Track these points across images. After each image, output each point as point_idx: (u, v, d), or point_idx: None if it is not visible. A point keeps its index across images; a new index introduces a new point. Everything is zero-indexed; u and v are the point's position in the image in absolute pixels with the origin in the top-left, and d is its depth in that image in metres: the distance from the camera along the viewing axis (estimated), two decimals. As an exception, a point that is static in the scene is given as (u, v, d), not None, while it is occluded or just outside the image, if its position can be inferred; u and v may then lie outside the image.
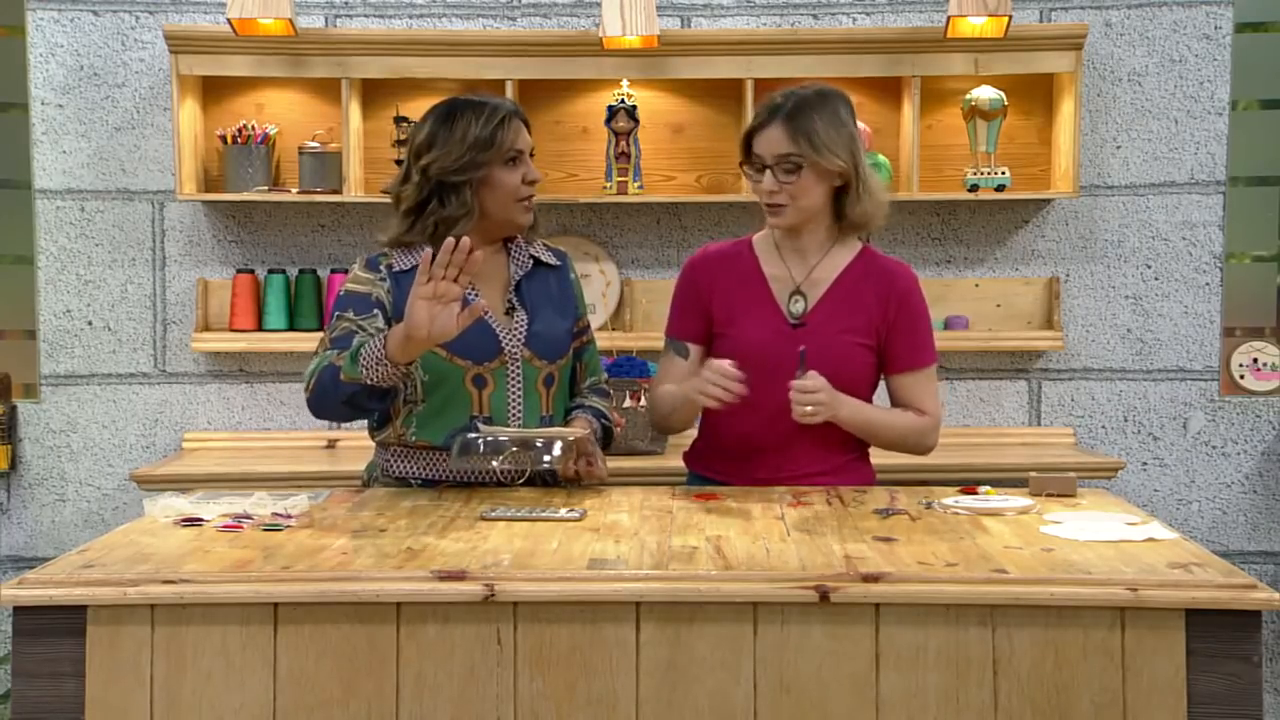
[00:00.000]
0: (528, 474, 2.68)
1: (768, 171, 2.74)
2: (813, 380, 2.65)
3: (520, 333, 2.76)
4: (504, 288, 2.80)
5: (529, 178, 2.76)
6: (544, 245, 2.90)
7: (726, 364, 2.64)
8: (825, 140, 2.72)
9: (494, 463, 2.61)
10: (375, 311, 2.70)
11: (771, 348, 2.76)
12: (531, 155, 2.80)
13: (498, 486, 2.69)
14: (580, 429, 2.72)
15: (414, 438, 2.72)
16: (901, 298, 2.82)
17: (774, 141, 2.73)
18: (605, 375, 3.02)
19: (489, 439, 2.60)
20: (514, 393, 2.74)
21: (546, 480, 2.74)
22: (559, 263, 2.89)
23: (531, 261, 2.84)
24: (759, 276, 2.84)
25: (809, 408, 2.64)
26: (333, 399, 2.61)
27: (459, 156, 2.71)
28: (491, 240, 2.79)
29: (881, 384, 2.89)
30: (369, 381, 2.54)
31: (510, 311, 2.78)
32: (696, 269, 2.89)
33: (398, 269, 2.75)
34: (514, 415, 2.73)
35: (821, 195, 2.77)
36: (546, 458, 2.62)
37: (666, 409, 2.87)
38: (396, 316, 2.65)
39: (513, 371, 2.74)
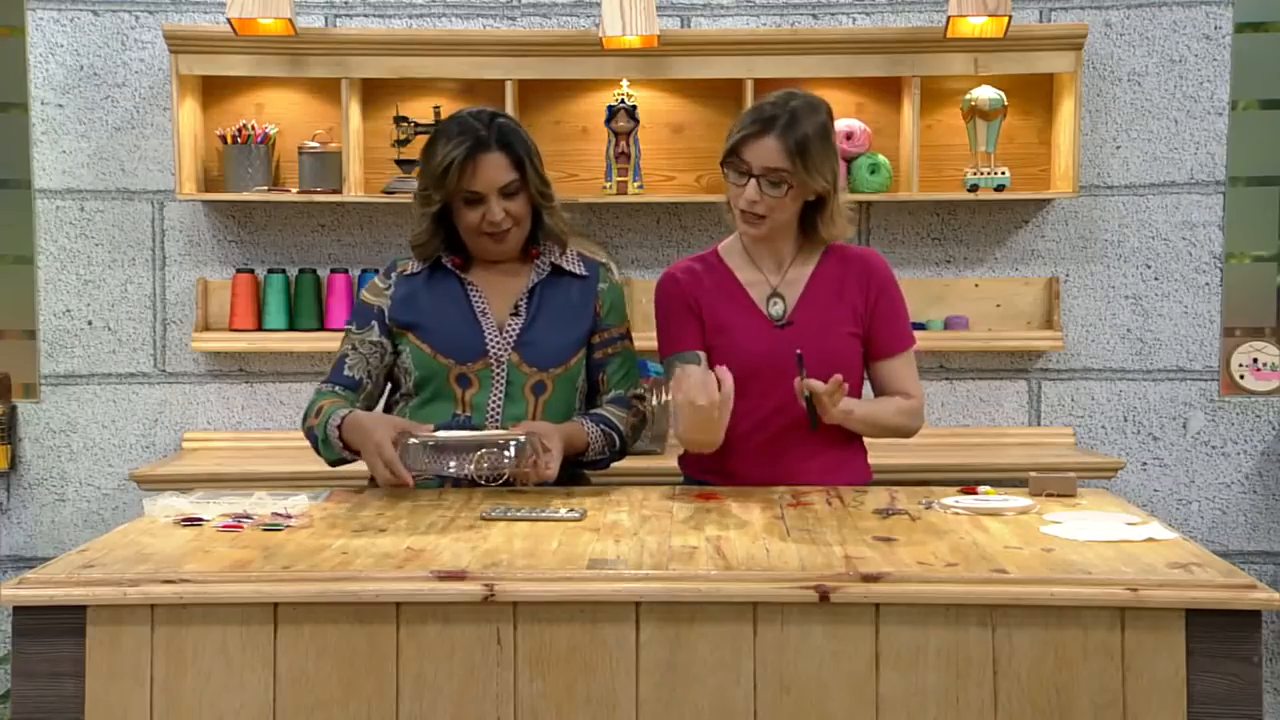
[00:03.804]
0: (504, 477, 2.63)
1: (752, 181, 2.70)
2: (812, 382, 2.64)
3: (511, 336, 2.76)
4: (516, 292, 2.80)
5: (490, 218, 2.71)
6: (578, 255, 2.87)
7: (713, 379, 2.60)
8: (816, 161, 2.69)
9: (449, 468, 2.58)
10: (372, 323, 2.80)
11: (761, 352, 2.76)
12: (515, 192, 2.72)
13: (471, 485, 2.68)
14: (526, 431, 2.63)
15: None
16: (881, 284, 2.83)
17: (768, 154, 2.68)
18: (635, 390, 2.91)
19: (429, 444, 2.56)
20: (496, 395, 2.74)
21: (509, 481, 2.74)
22: (587, 274, 2.85)
23: (550, 269, 2.83)
24: (735, 284, 2.83)
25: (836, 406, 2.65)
26: (319, 454, 2.78)
27: (423, 187, 2.76)
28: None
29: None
30: (347, 458, 2.72)
31: (513, 315, 2.78)
32: (678, 283, 2.84)
33: (409, 272, 2.83)
34: (492, 418, 2.73)
35: (796, 210, 2.77)
36: (506, 458, 2.58)
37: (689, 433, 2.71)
38: (391, 315, 2.79)
39: (497, 374, 2.74)
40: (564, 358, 2.79)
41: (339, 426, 2.66)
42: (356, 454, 2.68)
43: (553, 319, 2.79)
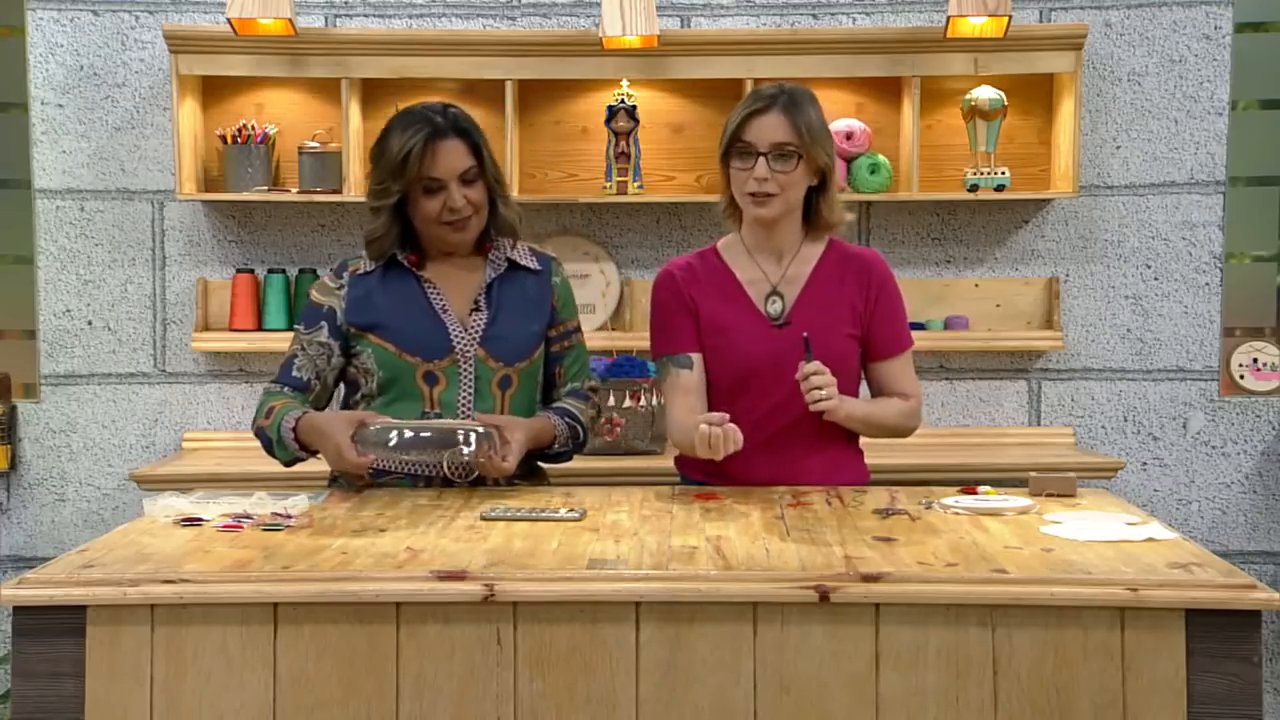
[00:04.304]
0: (472, 472, 2.65)
1: (760, 159, 2.71)
2: (816, 364, 2.65)
3: (476, 332, 2.76)
4: (474, 288, 2.80)
5: (451, 205, 2.71)
6: (529, 249, 2.88)
7: (717, 429, 2.57)
8: (819, 135, 2.72)
9: (408, 459, 2.59)
10: (321, 324, 2.79)
11: (759, 352, 2.76)
12: (474, 179, 2.73)
13: (446, 483, 2.69)
14: (490, 423, 2.63)
15: None
16: (880, 284, 2.83)
17: (772, 129, 2.70)
18: (592, 381, 2.95)
19: (390, 429, 2.57)
20: (465, 391, 2.74)
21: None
22: (540, 268, 2.86)
23: (506, 264, 2.83)
24: (734, 283, 2.83)
25: (822, 391, 2.64)
26: (273, 455, 2.77)
27: (379, 180, 2.74)
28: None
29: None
30: (302, 457, 2.72)
31: (474, 311, 2.78)
32: (675, 280, 2.84)
33: (361, 272, 2.81)
34: (463, 415, 2.73)
35: (804, 189, 2.77)
36: (465, 451, 2.58)
37: (689, 445, 2.69)
38: (347, 317, 2.77)
39: (465, 370, 2.74)
40: (527, 352, 2.80)
41: (294, 429, 2.66)
42: (313, 453, 2.68)
43: (514, 314, 2.80)
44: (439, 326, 2.75)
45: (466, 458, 2.58)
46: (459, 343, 2.74)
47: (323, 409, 2.80)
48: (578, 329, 2.92)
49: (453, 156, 2.71)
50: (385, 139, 2.73)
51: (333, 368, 2.79)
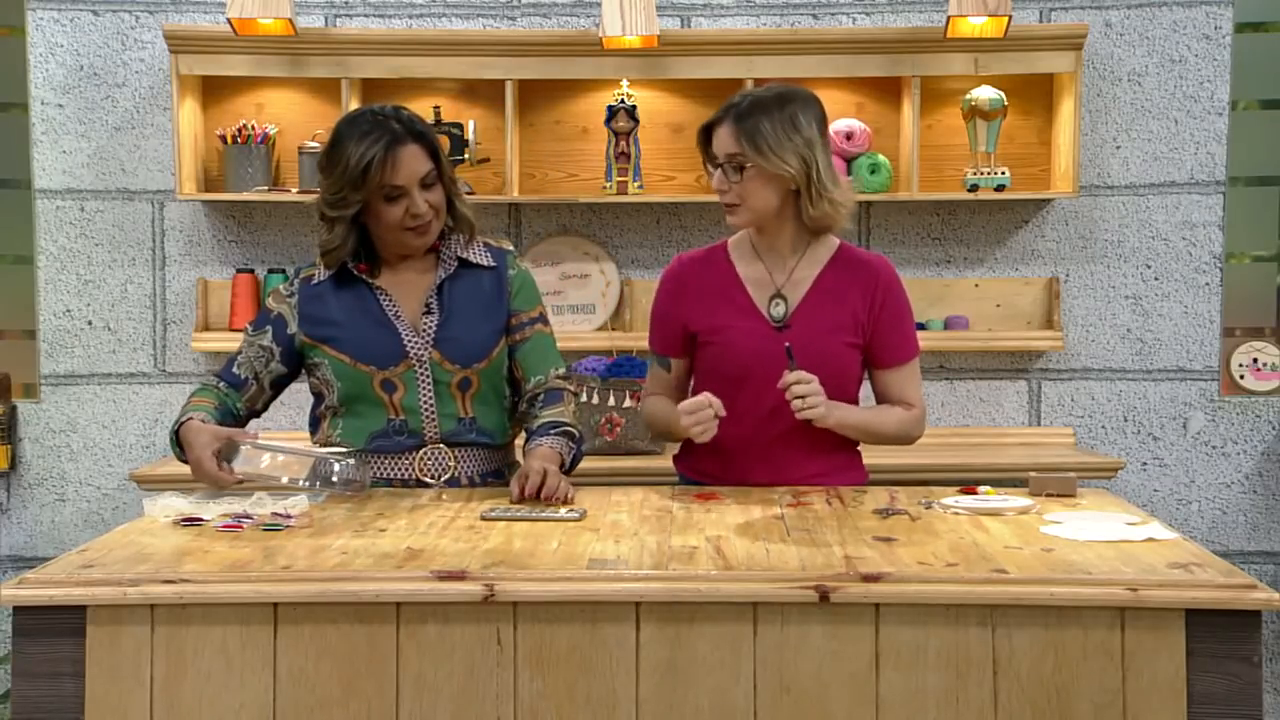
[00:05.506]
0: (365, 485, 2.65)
1: (719, 170, 2.75)
2: (799, 374, 2.65)
3: (429, 335, 2.74)
4: (425, 290, 2.77)
5: (414, 211, 2.68)
6: (484, 245, 2.84)
7: (699, 399, 2.66)
8: (771, 144, 2.68)
9: (285, 477, 2.58)
10: (267, 328, 2.80)
11: (757, 352, 2.75)
12: (433, 182, 2.70)
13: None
14: (348, 454, 2.64)
15: (339, 440, 2.74)
16: (885, 292, 2.82)
17: (723, 140, 2.74)
18: (557, 370, 2.87)
19: (261, 454, 2.56)
20: (425, 396, 2.72)
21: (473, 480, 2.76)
22: (494, 264, 2.83)
23: (457, 263, 2.80)
24: (736, 281, 2.83)
25: (805, 400, 2.64)
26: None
27: (336, 191, 2.69)
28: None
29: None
30: (184, 459, 2.66)
31: (426, 314, 2.76)
32: (672, 281, 2.87)
33: (315, 281, 2.79)
34: (428, 418, 2.72)
35: (772, 197, 2.74)
36: (333, 478, 2.59)
37: (661, 426, 2.93)
38: (300, 328, 2.77)
39: (421, 375, 2.72)
40: (485, 351, 2.76)
41: (177, 430, 2.65)
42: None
43: (468, 314, 2.77)
44: (391, 333, 2.73)
45: (336, 483, 2.59)
46: (412, 347, 2.72)
47: (260, 410, 2.84)
48: (537, 320, 2.86)
49: (414, 162, 2.67)
50: (339, 148, 2.68)
51: (270, 371, 2.80)
